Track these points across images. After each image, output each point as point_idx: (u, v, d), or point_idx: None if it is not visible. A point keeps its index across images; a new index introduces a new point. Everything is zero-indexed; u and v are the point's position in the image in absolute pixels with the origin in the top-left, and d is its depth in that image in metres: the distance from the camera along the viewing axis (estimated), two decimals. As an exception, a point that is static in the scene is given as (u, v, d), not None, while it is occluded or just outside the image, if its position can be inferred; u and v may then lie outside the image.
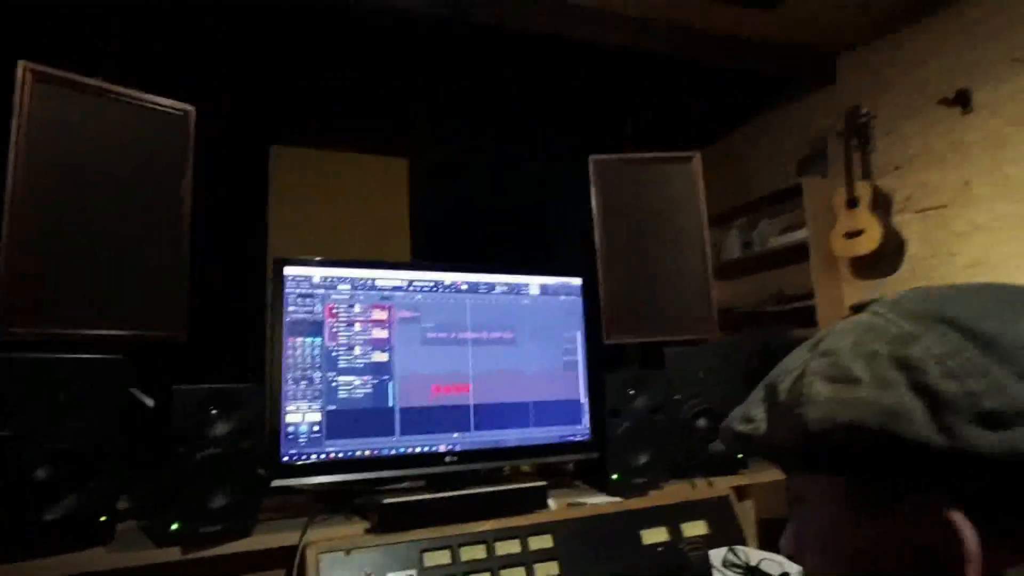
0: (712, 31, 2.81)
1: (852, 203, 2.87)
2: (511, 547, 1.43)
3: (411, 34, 2.55)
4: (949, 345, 0.37)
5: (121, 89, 1.60)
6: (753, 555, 1.46)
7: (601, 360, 1.99)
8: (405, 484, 1.70)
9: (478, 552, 1.40)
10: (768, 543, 1.64)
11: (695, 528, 1.61)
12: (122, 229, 1.54)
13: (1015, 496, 0.34)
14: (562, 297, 1.85)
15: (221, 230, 2.85)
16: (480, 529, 1.42)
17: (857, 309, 0.46)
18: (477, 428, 1.67)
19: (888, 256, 2.84)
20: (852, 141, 2.94)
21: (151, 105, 1.66)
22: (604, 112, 3.23)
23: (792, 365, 0.48)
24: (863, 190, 2.85)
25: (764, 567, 1.40)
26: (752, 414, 0.51)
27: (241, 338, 2.76)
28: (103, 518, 1.27)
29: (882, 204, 2.87)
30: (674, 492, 1.71)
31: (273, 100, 3.04)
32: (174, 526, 1.26)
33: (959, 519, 0.35)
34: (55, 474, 1.20)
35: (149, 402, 1.53)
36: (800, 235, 3.14)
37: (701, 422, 1.91)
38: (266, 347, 1.52)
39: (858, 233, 2.83)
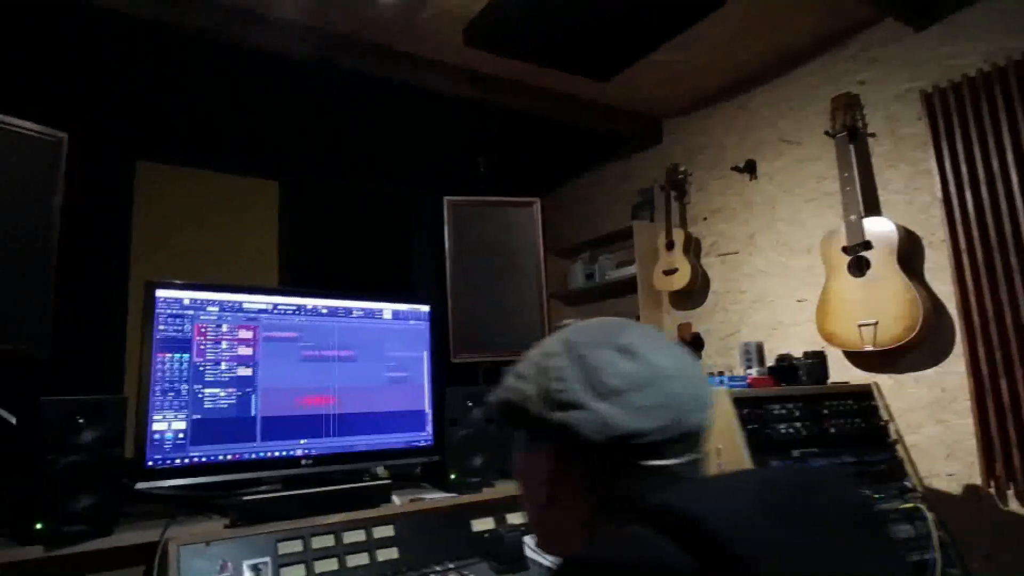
0: (559, 94, 3.26)
1: (670, 246, 3.42)
2: (357, 536, 1.65)
3: (283, 69, 2.73)
4: (563, 362, 0.68)
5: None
6: (559, 536, 1.80)
7: (452, 377, 2.29)
8: (263, 487, 1.88)
9: (327, 541, 1.62)
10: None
11: (517, 518, 1.91)
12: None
13: (571, 445, 0.66)
14: (411, 321, 2.13)
15: (83, 246, 2.85)
16: (330, 521, 1.65)
17: (557, 327, 0.78)
18: (332, 435, 1.89)
19: (698, 291, 3.41)
20: (671, 193, 3.50)
21: (21, 130, 1.75)
22: (465, 152, 3.59)
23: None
24: (678, 235, 3.41)
25: (564, 543, 1.75)
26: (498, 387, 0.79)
27: (99, 353, 2.75)
28: (-41, 522, 1.36)
29: (693, 248, 3.44)
30: (503, 489, 2.01)
31: (143, 117, 3.07)
32: (37, 526, 1.38)
33: (547, 451, 0.68)
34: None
35: (12, 419, 1.61)
36: (631, 270, 3.65)
37: (532, 430, 2.27)
38: (140, 362, 1.66)
39: (674, 271, 3.37)
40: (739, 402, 1.87)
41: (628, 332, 0.71)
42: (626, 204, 3.82)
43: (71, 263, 2.78)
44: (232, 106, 3.08)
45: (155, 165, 3.20)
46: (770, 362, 2.41)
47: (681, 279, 3.33)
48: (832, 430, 1.96)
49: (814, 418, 1.96)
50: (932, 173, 2.48)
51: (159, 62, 2.66)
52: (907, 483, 1.91)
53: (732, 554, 0.52)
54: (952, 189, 2.42)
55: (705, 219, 3.42)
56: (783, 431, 1.88)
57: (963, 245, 2.37)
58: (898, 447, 1.98)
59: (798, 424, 1.92)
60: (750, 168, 3.17)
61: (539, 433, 0.69)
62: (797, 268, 2.95)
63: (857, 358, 2.68)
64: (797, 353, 2.55)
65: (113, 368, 2.85)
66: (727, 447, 1.82)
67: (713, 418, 0.71)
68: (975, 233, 2.34)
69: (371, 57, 2.67)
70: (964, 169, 2.38)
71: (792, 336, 2.91)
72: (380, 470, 2.14)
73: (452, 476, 1.96)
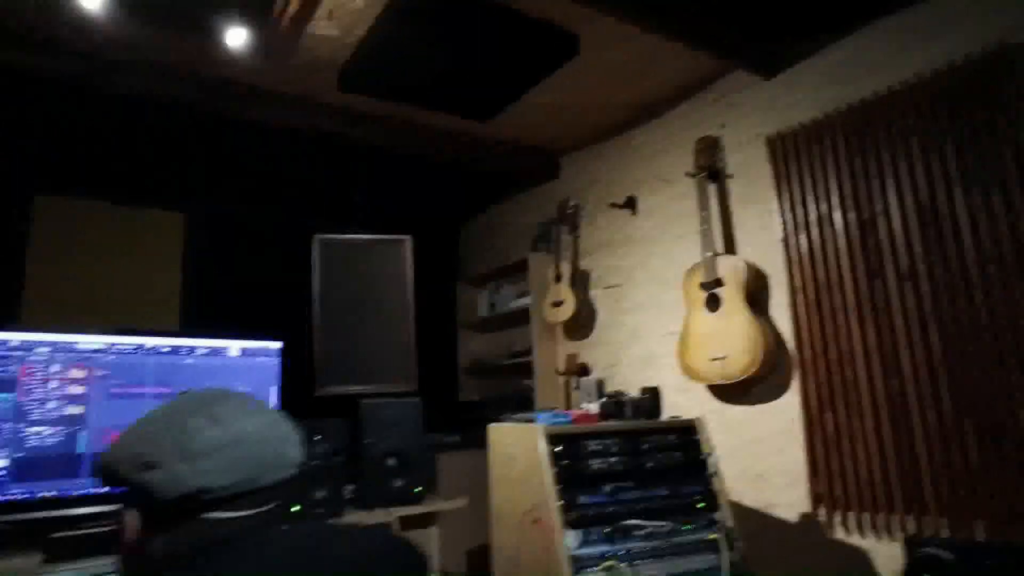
0: (456, 133, 3.38)
1: (558, 278, 3.54)
2: (176, 570, 1.73)
3: (168, 110, 2.82)
4: (161, 427, 0.79)
5: None
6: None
7: (318, 411, 2.37)
8: (104, 522, 1.95)
9: (143, 575, 1.69)
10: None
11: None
12: None
13: (150, 500, 0.77)
14: (260, 358, 2.21)
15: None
16: (149, 556, 1.72)
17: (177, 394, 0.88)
18: (167, 471, 1.96)
19: (585, 323, 3.53)
20: (563, 226, 3.63)
21: None
22: (367, 189, 3.71)
23: None
24: (565, 268, 3.54)
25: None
26: None
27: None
28: None
29: (580, 280, 3.56)
30: (351, 519, 2.11)
31: (39, 153, 3.13)
32: None
33: (136, 507, 0.78)
34: None
35: None
36: (526, 301, 3.77)
37: (391, 461, 2.36)
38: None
39: (560, 303, 3.50)
40: (554, 439, 1.97)
41: (222, 402, 0.83)
42: (528, 236, 3.94)
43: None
44: (125, 143, 3.15)
45: (55, 198, 3.24)
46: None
47: (566, 311, 3.45)
48: (650, 464, 2.06)
49: (632, 453, 2.06)
50: (776, 214, 2.63)
51: (32, 107, 2.74)
52: (715, 515, 2.02)
53: None
54: (790, 230, 2.57)
55: (594, 253, 3.55)
56: (596, 466, 1.98)
57: (798, 284, 2.52)
58: (714, 480, 2.08)
59: (614, 459, 2.02)
60: (631, 204, 3.31)
61: (127, 490, 0.79)
62: (669, 302, 3.08)
63: (717, 391, 2.81)
64: (667, 386, 2.67)
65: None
66: (536, 483, 1.92)
67: (293, 473, 0.82)
68: (807, 272, 2.49)
69: (251, 101, 2.77)
70: (800, 211, 2.54)
71: (664, 368, 3.04)
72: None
73: (294, 508, 2.04)
